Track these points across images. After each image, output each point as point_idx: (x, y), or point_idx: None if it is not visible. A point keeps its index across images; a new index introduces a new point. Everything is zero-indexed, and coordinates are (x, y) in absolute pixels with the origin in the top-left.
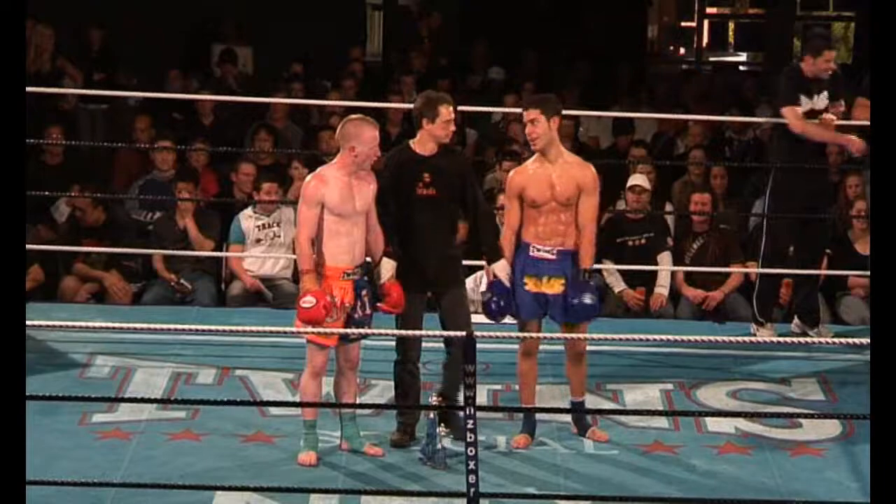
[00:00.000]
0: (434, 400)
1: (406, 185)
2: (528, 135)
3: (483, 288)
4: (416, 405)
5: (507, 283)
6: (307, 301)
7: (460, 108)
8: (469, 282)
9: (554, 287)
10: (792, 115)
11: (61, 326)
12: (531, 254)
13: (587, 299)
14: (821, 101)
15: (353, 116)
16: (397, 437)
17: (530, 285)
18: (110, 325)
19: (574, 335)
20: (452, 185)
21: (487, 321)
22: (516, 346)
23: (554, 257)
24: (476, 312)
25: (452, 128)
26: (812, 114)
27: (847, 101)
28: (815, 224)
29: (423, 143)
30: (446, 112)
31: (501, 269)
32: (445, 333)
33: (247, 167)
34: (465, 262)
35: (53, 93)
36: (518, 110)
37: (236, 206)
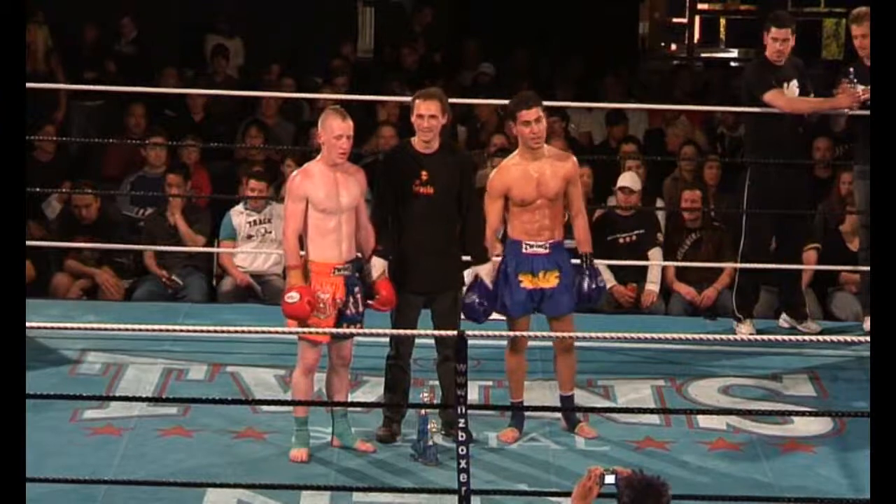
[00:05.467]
0: (424, 396)
1: (403, 181)
2: (535, 134)
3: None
4: (407, 403)
5: (490, 285)
6: (291, 296)
7: (451, 101)
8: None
9: (550, 281)
10: (773, 98)
11: (52, 328)
12: (524, 251)
13: (601, 282)
14: (791, 90)
15: (328, 107)
16: (382, 433)
17: (526, 282)
18: (101, 326)
19: (564, 334)
20: (451, 184)
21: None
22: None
23: (547, 251)
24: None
25: (426, 124)
26: None
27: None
28: (794, 220)
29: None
30: (420, 105)
31: (488, 272)
32: (438, 333)
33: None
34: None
35: (47, 90)
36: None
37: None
